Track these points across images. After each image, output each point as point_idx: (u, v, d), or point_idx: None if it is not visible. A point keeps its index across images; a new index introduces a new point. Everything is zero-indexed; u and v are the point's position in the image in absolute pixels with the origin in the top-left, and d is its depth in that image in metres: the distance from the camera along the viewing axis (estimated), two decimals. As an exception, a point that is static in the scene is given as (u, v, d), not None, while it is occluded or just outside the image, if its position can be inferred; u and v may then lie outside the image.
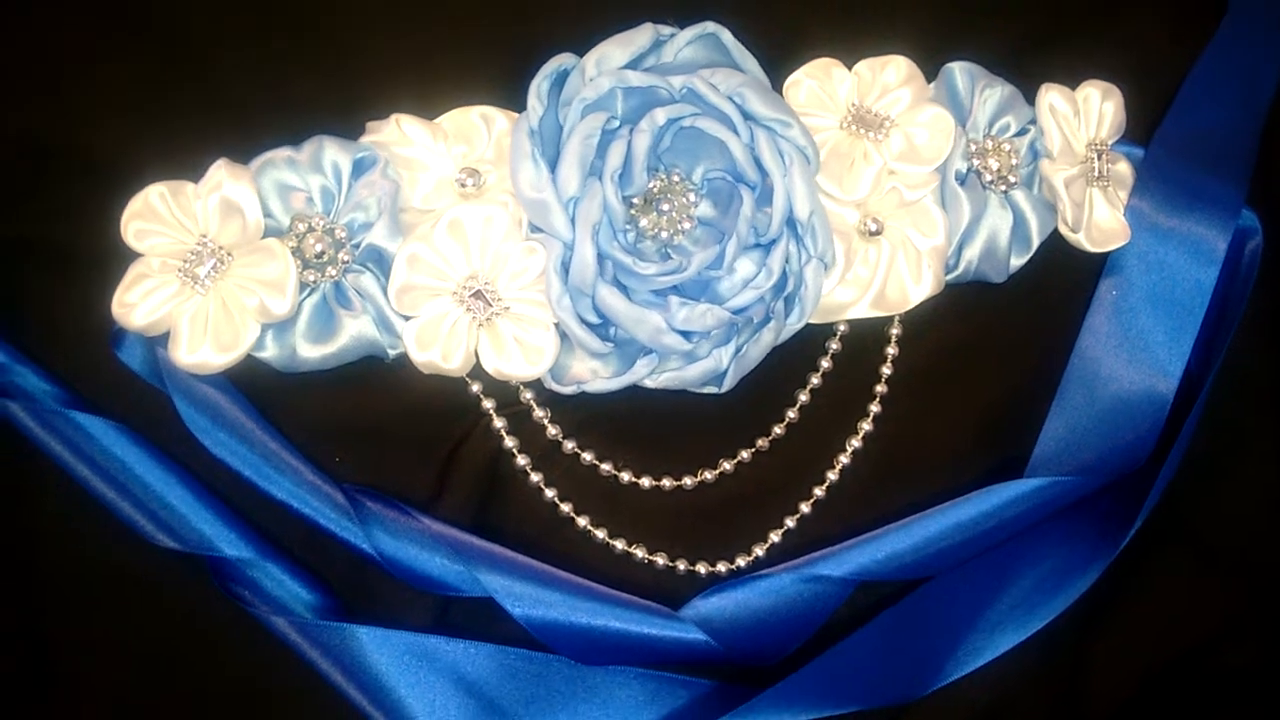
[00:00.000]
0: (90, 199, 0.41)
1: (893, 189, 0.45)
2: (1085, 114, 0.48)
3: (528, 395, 0.44)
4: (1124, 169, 0.49)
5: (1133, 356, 0.47)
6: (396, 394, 0.43)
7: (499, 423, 0.44)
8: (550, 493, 0.44)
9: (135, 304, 0.41)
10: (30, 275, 0.42)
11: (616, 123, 0.43)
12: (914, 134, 0.46)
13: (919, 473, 0.47)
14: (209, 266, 0.41)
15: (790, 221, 0.43)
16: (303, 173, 0.42)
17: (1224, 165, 0.48)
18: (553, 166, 0.42)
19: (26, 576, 0.42)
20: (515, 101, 0.43)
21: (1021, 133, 0.48)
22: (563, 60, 0.43)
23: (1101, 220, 0.48)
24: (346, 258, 0.42)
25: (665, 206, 0.43)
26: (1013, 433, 0.47)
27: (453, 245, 0.42)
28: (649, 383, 0.43)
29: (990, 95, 0.47)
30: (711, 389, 0.44)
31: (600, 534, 0.45)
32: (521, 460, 0.44)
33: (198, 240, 0.41)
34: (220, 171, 0.41)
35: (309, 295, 0.42)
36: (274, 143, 0.42)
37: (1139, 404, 0.46)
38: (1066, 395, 0.47)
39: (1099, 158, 0.48)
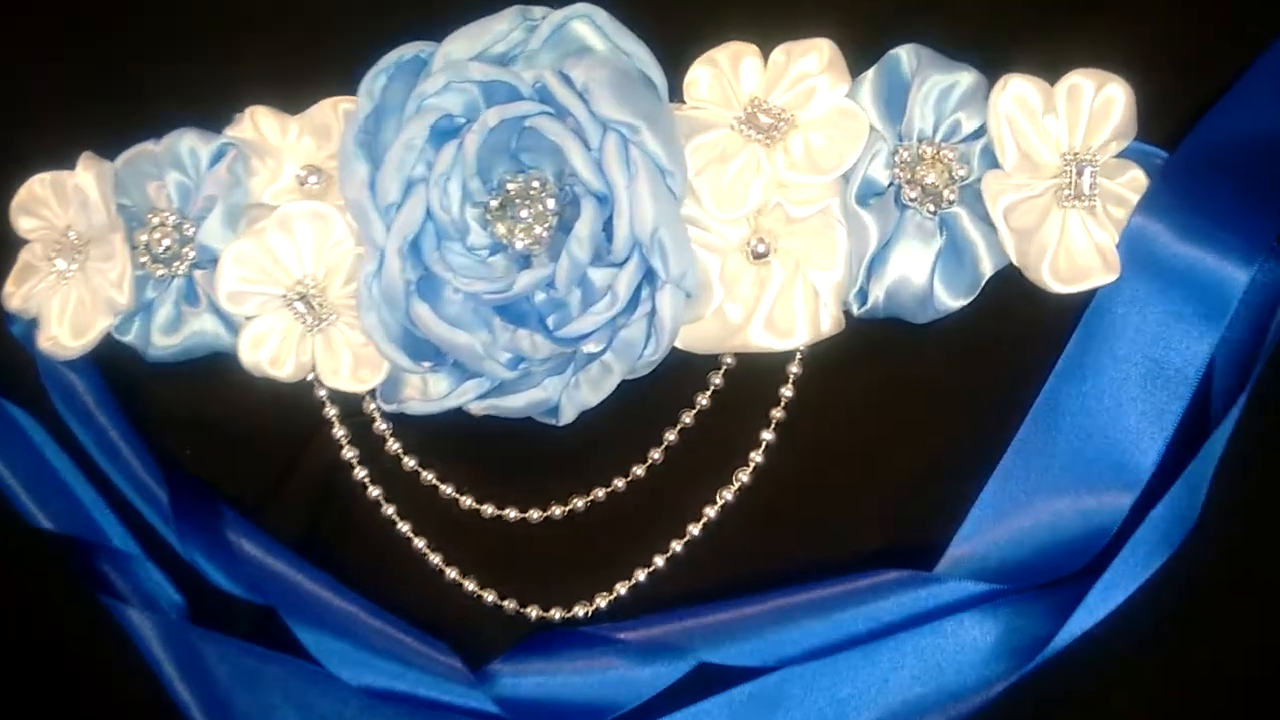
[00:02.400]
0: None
1: (777, 205, 0.37)
2: (1067, 112, 0.36)
3: (372, 405, 0.41)
4: (1129, 181, 0.37)
5: (1095, 447, 0.35)
6: (247, 392, 0.40)
7: (339, 432, 0.41)
8: (388, 509, 0.41)
9: (15, 290, 0.41)
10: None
11: (462, 121, 0.37)
12: (814, 137, 0.36)
13: (799, 538, 0.39)
14: (71, 257, 0.40)
15: (639, 240, 0.36)
16: (163, 165, 0.40)
17: (1260, 186, 0.35)
18: (378, 168, 0.37)
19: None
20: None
21: (975, 135, 0.37)
22: (404, 51, 0.38)
23: (1076, 250, 0.36)
24: (191, 253, 0.40)
25: (524, 213, 0.38)
26: (921, 510, 0.37)
27: (283, 245, 0.39)
28: (473, 408, 0.38)
29: (940, 87, 0.37)
30: (549, 420, 0.38)
31: (435, 559, 0.41)
32: (360, 473, 0.41)
33: (64, 231, 0.41)
34: (81, 164, 0.40)
35: (168, 288, 0.41)
36: (140, 135, 0.41)
37: (1089, 511, 0.34)
38: (1003, 483, 0.36)
39: (1081, 171, 0.36)
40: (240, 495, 0.42)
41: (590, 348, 0.37)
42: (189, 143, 0.40)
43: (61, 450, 0.42)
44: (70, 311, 0.41)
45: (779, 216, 0.37)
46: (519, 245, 0.38)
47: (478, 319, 0.37)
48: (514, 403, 0.38)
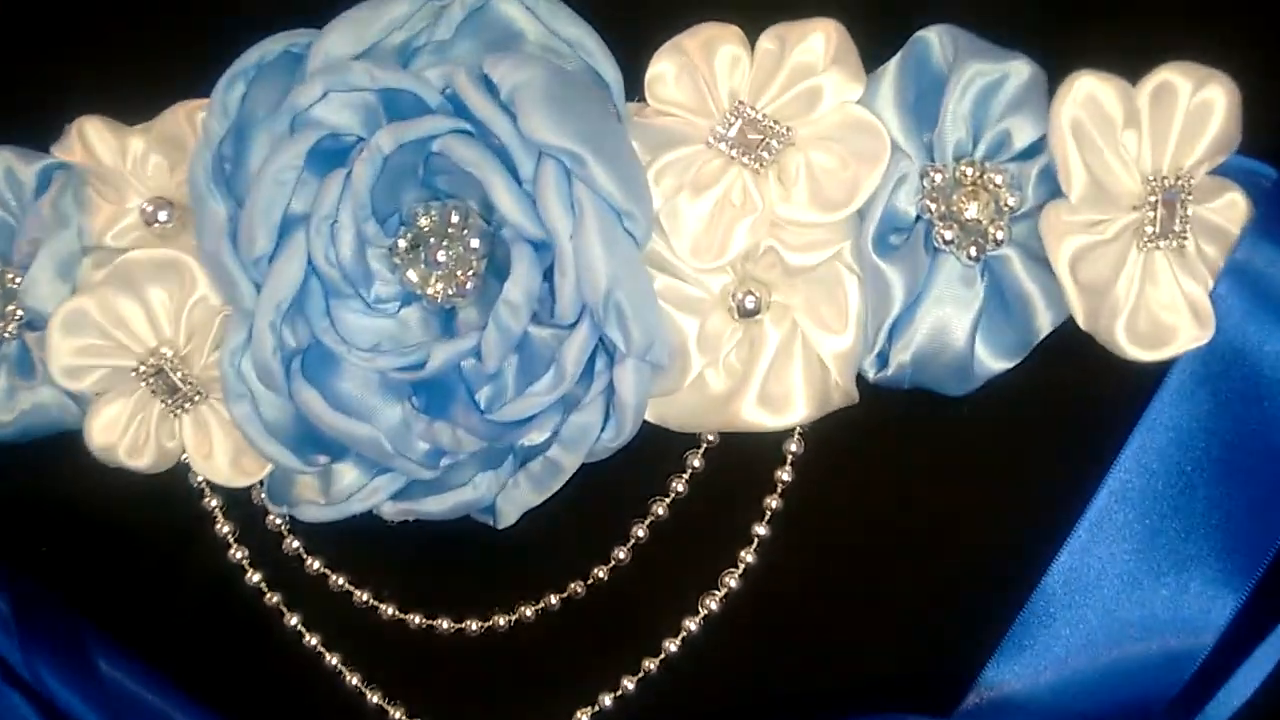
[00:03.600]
0: None
1: (770, 248, 0.27)
2: (1153, 121, 0.27)
3: (263, 494, 0.32)
4: (1228, 211, 0.27)
5: (1161, 569, 0.27)
6: (104, 478, 0.31)
7: (226, 528, 0.32)
8: (293, 620, 0.32)
9: None
10: None
11: (353, 138, 0.28)
12: (818, 160, 0.27)
13: (796, 657, 0.31)
14: None
15: (588, 304, 0.27)
16: (-29, 195, 0.30)
17: None
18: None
19: None
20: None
21: (1031, 152, 0.27)
22: (268, 48, 0.28)
23: (1160, 305, 0.27)
24: (19, 312, 0.30)
25: (440, 256, 0.28)
26: (945, 628, 0.29)
27: (130, 305, 0.29)
28: (386, 511, 0.29)
29: (983, 84, 0.27)
30: (486, 520, 0.29)
31: (354, 680, 0.32)
32: (254, 576, 0.32)
33: None
34: None
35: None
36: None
37: (1153, 656, 0.26)
38: (1047, 605, 0.28)
39: (1171, 202, 0.27)
40: (107, 605, 0.33)
41: (533, 438, 0.28)
42: (5, 162, 0.30)
43: None
44: None
45: (772, 263, 0.28)
46: (437, 296, 0.28)
47: (385, 398, 0.28)
48: (437, 505, 0.29)
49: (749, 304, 0.28)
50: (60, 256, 0.30)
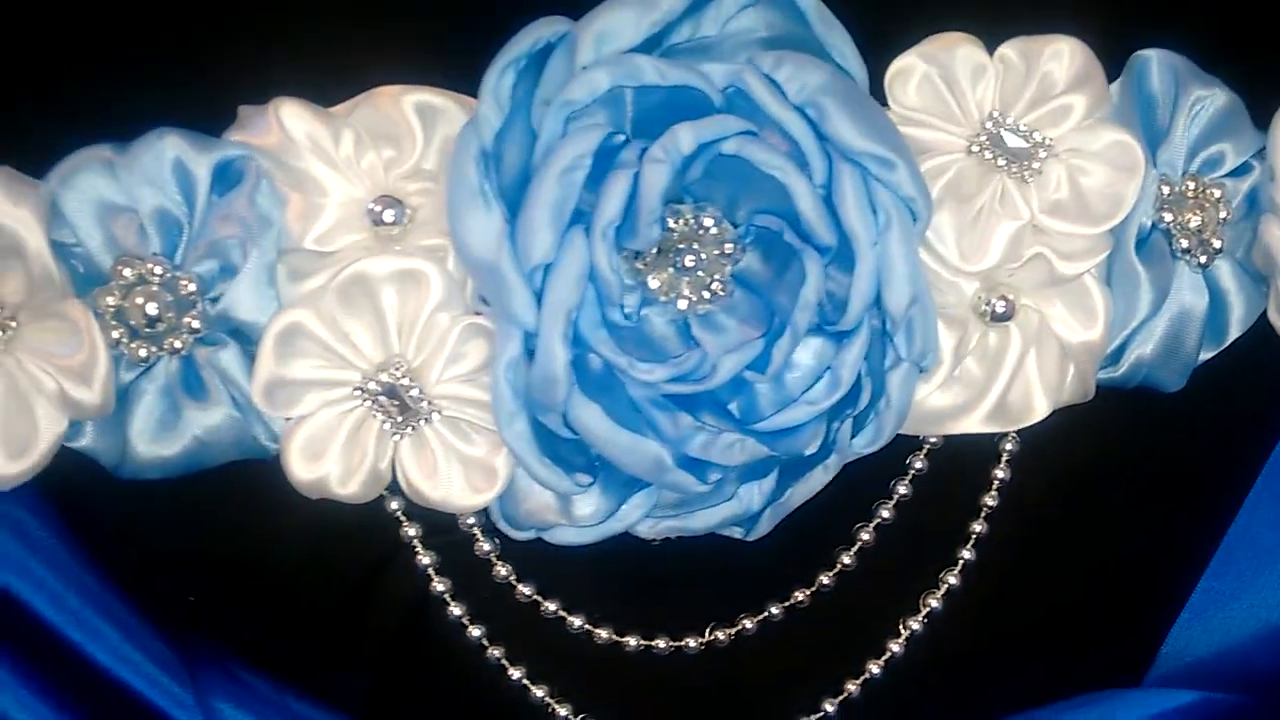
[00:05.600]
0: None
1: (1039, 256, 0.27)
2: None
3: (469, 521, 0.28)
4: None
5: None
6: (280, 509, 0.27)
7: (426, 558, 0.28)
8: (495, 652, 0.29)
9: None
10: None
11: (622, 138, 0.25)
12: (1082, 171, 0.27)
13: (1015, 649, 0.31)
14: (-16, 333, 0.25)
15: (879, 309, 0.26)
16: (131, 186, 0.25)
17: None
18: (514, 211, 0.24)
19: None
20: (472, 85, 0.25)
21: (1239, 170, 0.29)
22: (540, 33, 0.25)
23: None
24: (196, 325, 0.25)
25: (689, 262, 0.26)
26: (1154, 608, 0.31)
27: (357, 316, 0.25)
28: (643, 530, 0.27)
29: (1201, 107, 0.29)
30: (735, 533, 0.28)
31: (563, 711, 0.30)
32: (457, 609, 0.29)
33: (-35, 291, 0.25)
34: (-4, 187, 0.24)
35: (144, 374, 0.26)
36: (92, 137, 0.25)
37: None
38: (1225, 570, 0.30)
39: (1352, 215, 0.29)
40: (280, 659, 0.28)
41: (810, 448, 0.27)
42: (174, 150, 0.25)
43: None
44: (-5, 417, 0.25)
45: (1033, 273, 0.28)
46: (681, 304, 0.27)
47: (646, 416, 0.26)
48: (703, 521, 0.27)
49: (1000, 308, 0.29)
50: (268, 261, 0.26)
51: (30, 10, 0.26)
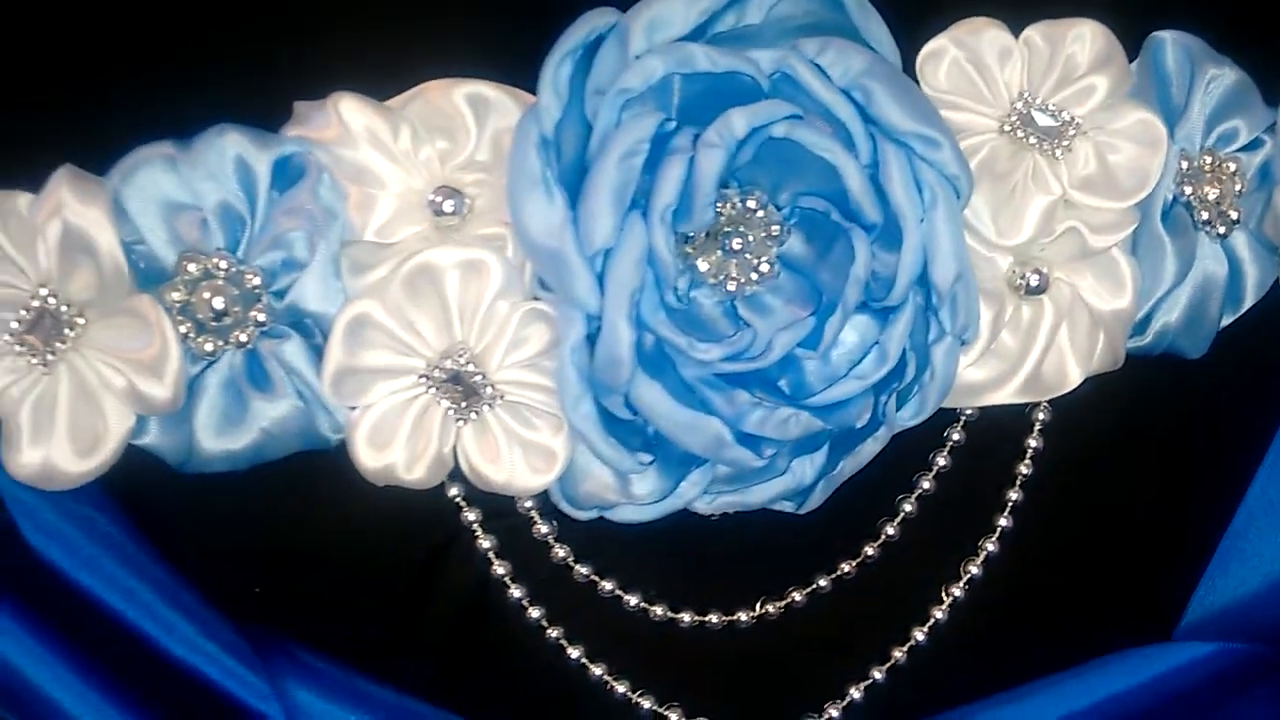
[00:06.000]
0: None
1: (1071, 230, 0.29)
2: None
3: (527, 504, 0.29)
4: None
5: None
6: (342, 498, 0.28)
7: (486, 542, 0.29)
8: (554, 632, 0.30)
9: (-52, 379, 0.25)
10: None
11: (672, 124, 0.26)
12: (1109, 147, 0.29)
13: (1054, 612, 0.32)
14: (53, 332, 0.25)
15: (922, 282, 0.27)
16: (193, 182, 0.26)
17: None
18: (575, 197, 0.25)
19: None
20: (521, 72, 0.26)
21: (1252, 145, 0.31)
22: (594, 24, 0.26)
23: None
24: (262, 318, 0.26)
25: (736, 244, 0.27)
26: (1184, 566, 0.32)
27: (421, 305, 0.26)
28: (700, 507, 0.28)
29: (1215, 85, 0.30)
30: (787, 507, 0.29)
31: (621, 687, 0.31)
32: (517, 591, 0.30)
33: (34, 291, 0.25)
34: (62, 187, 0.25)
35: (209, 368, 0.26)
36: (153, 135, 0.25)
37: None
38: (1249, 524, 0.31)
39: (1357, 185, 0.31)
40: (347, 643, 0.29)
41: (860, 422, 0.28)
42: (235, 146, 0.26)
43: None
44: (63, 416, 0.25)
45: (1065, 246, 0.29)
46: (731, 286, 0.28)
47: (716, 392, 0.27)
48: (760, 495, 0.28)
49: (1034, 282, 0.30)
50: (333, 253, 0.26)
51: (86, 10, 0.26)
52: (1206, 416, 0.33)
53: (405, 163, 0.27)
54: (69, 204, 0.25)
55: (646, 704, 0.31)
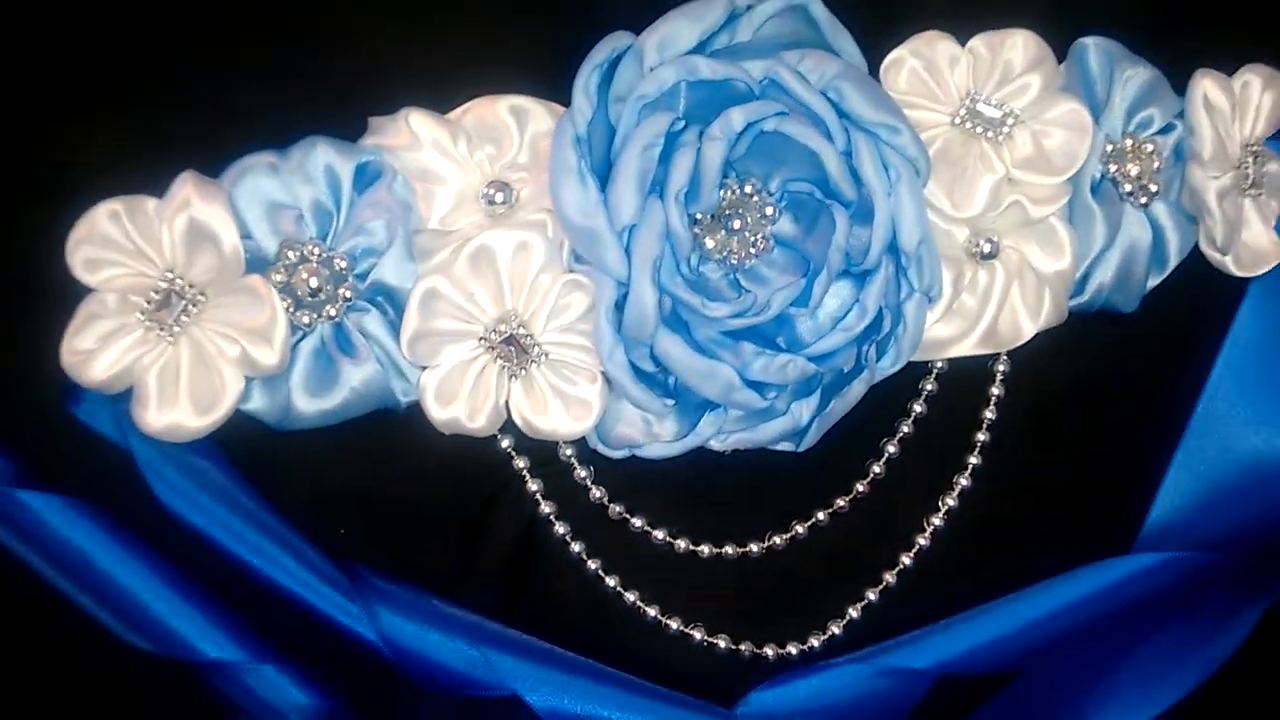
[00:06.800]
0: (34, 218, 0.30)
1: (1015, 203, 0.34)
2: (1242, 107, 0.37)
3: (568, 452, 0.34)
4: (1277, 170, 0.38)
5: (1275, 401, 0.37)
6: (411, 451, 0.33)
7: (534, 485, 0.34)
8: (593, 564, 0.35)
9: (91, 352, 0.31)
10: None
11: (682, 123, 0.32)
12: (1043, 134, 0.35)
13: (1023, 536, 0.38)
14: (179, 309, 0.31)
15: (893, 249, 0.33)
16: (291, 184, 0.31)
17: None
18: (603, 183, 0.31)
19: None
20: (554, 88, 0.32)
21: (1166, 129, 0.37)
22: (616, 43, 0.31)
23: (1251, 238, 0.37)
24: (348, 294, 0.32)
25: (736, 224, 0.33)
26: (1134, 490, 0.37)
27: (479, 279, 0.32)
28: (715, 445, 0.33)
29: (1131, 81, 0.36)
30: (788, 447, 0.34)
31: (652, 611, 0.36)
32: (560, 528, 0.35)
33: (162, 275, 0.30)
34: (187, 187, 0.30)
35: (304, 339, 0.32)
36: (253, 146, 0.31)
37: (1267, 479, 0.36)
38: (1192, 450, 0.37)
39: (1253, 161, 0.37)
40: (418, 574, 0.34)
41: (845, 366, 0.34)
42: (324, 156, 0.32)
43: (127, 550, 0.33)
44: (185, 380, 0.31)
45: (1010, 217, 0.35)
46: (734, 259, 0.33)
47: (725, 345, 0.33)
48: (764, 433, 0.34)
49: (986, 249, 0.36)
50: (406, 239, 0.32)
51: (196, 40, 0.32)
52: (1145, 361, 0.38)
53: (462, 164, 0.33)
54: (194, 202, 0.30)
55: (674, 625, 0.36)
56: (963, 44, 0.35)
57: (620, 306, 0.32)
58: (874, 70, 0.35)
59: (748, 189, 0.33)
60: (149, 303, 0.31)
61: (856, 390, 0.34)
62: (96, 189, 0.30)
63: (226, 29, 0.32)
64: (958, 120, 0.35)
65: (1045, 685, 0.36)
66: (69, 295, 0.30)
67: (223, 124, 0.32)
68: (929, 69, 0.35)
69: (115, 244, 0.31)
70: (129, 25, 0.32)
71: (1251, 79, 0.37)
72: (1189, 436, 0.38)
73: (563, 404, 0.33)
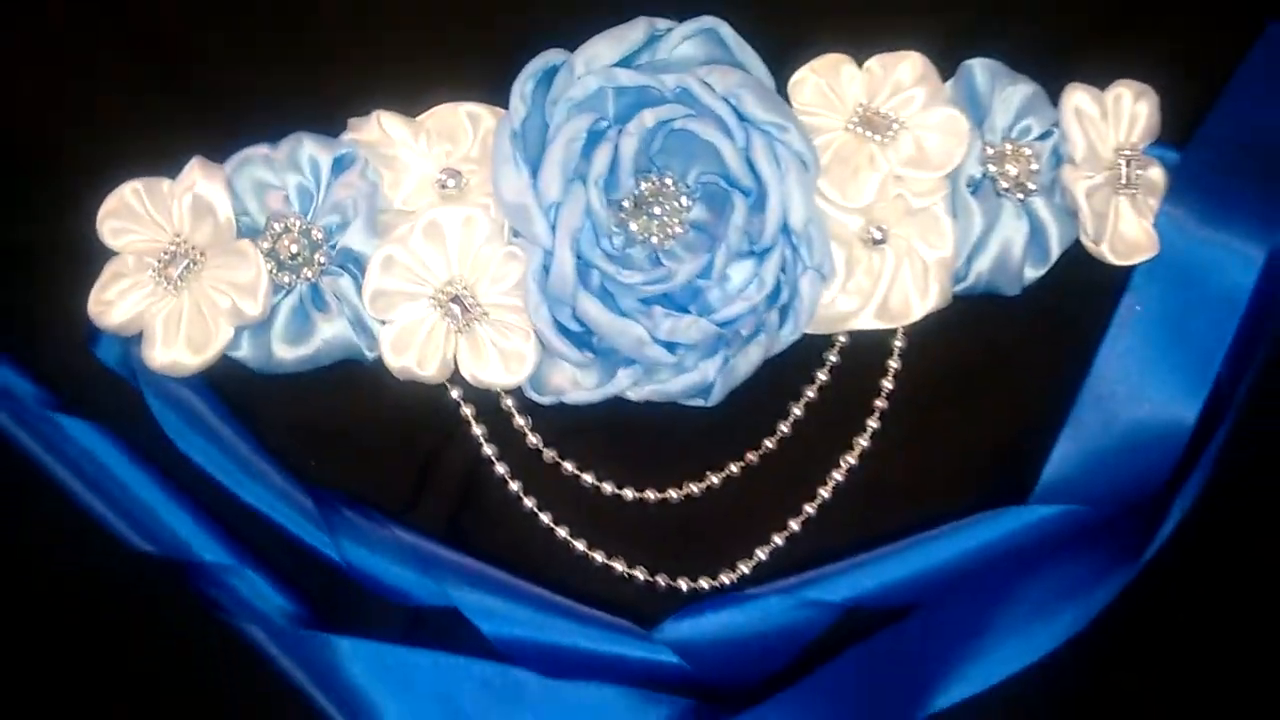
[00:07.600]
0: (68, 197, 0.38)
1: (899, 196, 0.40)
2: (1115, 116, 0.42)
3: (508, 402, 0.40)
4: (1156, 175, 0.43)
5: (1154, 378, 0.41)
6: (373, 398, 0.39)
7: (478, 429, 0.40)
8: (529, 502, 0.41)
9: (112, 302, 0.38)
10: (7, 275, 0.39)
11: (606, 123, 0.38)
12: (924, 137, 0.40)
13: (917, 494, 0.42)
14: (182, 267, 0.38)
15: (785, 230, 0.39)
16: (280, 171, 0.38)
17: (1267, 174, 0.42)
18: (535, 170, 0.37)
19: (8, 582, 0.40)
20: (504, 98, 0.39)
21: (1044, 136, 0.42)
22: (550, 58, 0.38)
23: (1127, 231, 0.42)
24: (323, 260, 0.38)
25: (656, 210, 0.39)
26: (1022, 456, 0.42)
27: (430, 248, 0.38)
28: (631, 394, 0.39)
29: (1012, 95, 0.42)
30: (698, 401, 0.40)
31: (579, 545, 0.41)
32: (500, 468, 0.41)
33: (171, 240, 0.38)
34: (194, 170, 0.38)
35: (285, 296, 0.38)
36: (253, 140, 0.38)
37: (1158, 429, 0.41)
38: (1080, 417, 0.41)
39: (1127, 164, 0.42)
40: (376, 503, 0.40)
41: (745, 330, 0.39)
42: (309, 149, 0.38)
43: (137, 466, 0.39)
44: (184, 326, 0.38)
45: (896, 208, 0.41)
46: (654, 240, 0.39)
47: (640, 309, 0.39)
48: (674, 386, 0.39)
49: (877, 235, 0.41)
50: (372, 214, 0.38)
51: (213, 61, 0.40)
52: (1037, 341, 0.43)
53: (423, 156, 0.39)
54: (199, 181, 0.38)
55: (598, 558, 0.42)
56: (860, 64, 0.41)
57: (546, 270, 0.38)
58: (783, 86, 0.41)
59: (667, 180, 0.40)
60: (159, 261, 0.38)
61: (754, 353, 0.40)
62: (122, 172, 0.38)
63: (241, 49, 0.40)
64: (850, 126, 0.41)
65: (940, 617, 0.40)
66: (94, 256, 0.38)
67: (230, 123, 0.39)
68: (830, 85, 0.41)
69: (136, 215, 0.38)
70: (165, 49, 0.40)
71: (1123, 91, 0.43)
72: (1078, 408, 0.42)
73: (501, 357, 0.39)
